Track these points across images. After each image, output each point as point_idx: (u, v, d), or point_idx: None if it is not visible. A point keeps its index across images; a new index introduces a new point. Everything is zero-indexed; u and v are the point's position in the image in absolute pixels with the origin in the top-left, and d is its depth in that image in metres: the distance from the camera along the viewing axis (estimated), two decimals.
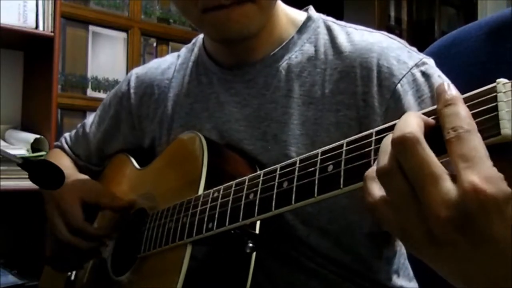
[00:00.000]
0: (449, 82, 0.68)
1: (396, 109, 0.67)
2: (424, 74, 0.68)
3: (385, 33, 0.76)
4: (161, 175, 0.81)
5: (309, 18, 0.79)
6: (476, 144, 0.37)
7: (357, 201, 0.67)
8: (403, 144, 0.38)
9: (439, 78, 0.68)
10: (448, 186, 0.36)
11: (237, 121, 0.77)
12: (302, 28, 0.78)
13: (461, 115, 0.38)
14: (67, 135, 1.07)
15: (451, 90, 0.40)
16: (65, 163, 1.00)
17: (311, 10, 0.81)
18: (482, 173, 0.35)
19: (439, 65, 0.84)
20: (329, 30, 0.77)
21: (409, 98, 0.67)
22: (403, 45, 0.73)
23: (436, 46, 0.96)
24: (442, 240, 0.37)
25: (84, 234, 0.81)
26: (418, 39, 3.18)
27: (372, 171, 0.42)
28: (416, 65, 0.69)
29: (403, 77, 0.68)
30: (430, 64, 0.70)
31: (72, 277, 0.89)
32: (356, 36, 0.75)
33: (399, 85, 0.68)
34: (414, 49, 0.74)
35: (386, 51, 0.70)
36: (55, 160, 1.01)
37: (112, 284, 0.79)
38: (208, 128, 0.79)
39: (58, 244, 0.82)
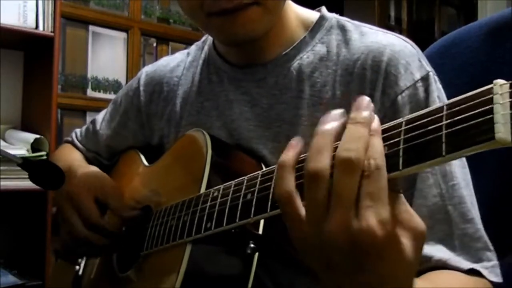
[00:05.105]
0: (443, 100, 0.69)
1: (393, 119, 0.67)
2: (426, 91, 0.68)
3: (400, 36, 0.74)
4: (166, 172, 0.81)
5: (322, 18, 0.78)
6: (382, 185, 0.41)
7: None
8: (349, 166, 0.42)
9: (437, 98, 0.68)
10: (351, 216, 0.41)
11: (246, 120, 0.77)
12: (315, 28, 0.77)
13: (377, 148, 0.42)
14: (77, 130, 1.08)
15: (377, 122, 0.44)
16: (75, 157, 1.01)
17: (324, 10, 0.80)
18: (379, 215, 0.41)
19: (439, 65, 0.84)
20: (342, 30, 0.76)
21: (405, 113, 0.67)
22: (416, 51, 0.72)
23: (436, 46, 0.96)
24: (331, 257, 0.43)
25: (101, 230, 0.81)
26: (418, 39, 3.18)
27: (292, 159, 0.46)
28: (422, 79, 0.69)
29: (406, 89, 0.68)
30: (434, 80, 0.70)
31: (80, 272, 0.90)
32: (370, 37, 0.74)
33: (400, 96, 0.68)
34: (424, 57, 0.73)
35: (396, 56, 0.70)
36: (66, 154, 1.02)
37: (116, 280, 0.80)
38: (217, 126, 0.79)
39: (72, 238, 0.82)
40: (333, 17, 0.79)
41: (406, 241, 0.43)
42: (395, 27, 3.27)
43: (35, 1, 1.88)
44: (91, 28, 2.25)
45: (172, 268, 0.65)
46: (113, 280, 0.81)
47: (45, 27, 1.89)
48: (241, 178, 0.59)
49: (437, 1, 3.52)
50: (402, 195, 0.44)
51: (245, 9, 0.67)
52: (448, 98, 0.71)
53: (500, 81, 0.37)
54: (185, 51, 0.94)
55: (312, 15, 0.80)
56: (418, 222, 0.44)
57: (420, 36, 3.31)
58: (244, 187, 0.58)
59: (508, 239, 0.77)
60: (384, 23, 3.14)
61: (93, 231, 0.80)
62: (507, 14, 0.85)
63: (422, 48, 0.80)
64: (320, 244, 0.43)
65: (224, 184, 0.62)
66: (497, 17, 0.87)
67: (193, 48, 0.92)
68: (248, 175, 0.58)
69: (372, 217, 0.41)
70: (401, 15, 3.35)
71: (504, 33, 0.84)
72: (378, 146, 0.43)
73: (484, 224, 0.69)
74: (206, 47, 0.88)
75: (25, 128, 2.07)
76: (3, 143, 1.93)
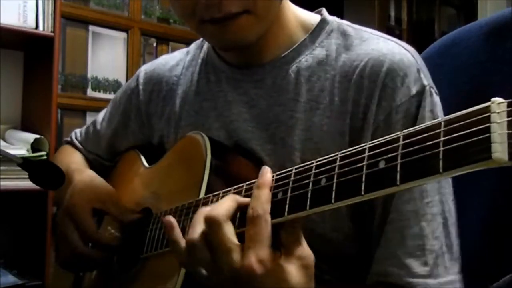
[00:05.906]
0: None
1: (385, 132, 0.67)
2: (418, 107, 0.67)
3: (402, 43, 0.73)
4: (166, 175, 0.81)
5: (323, 21, 0.77)
6: (261, 230, 0.51)
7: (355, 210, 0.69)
8: (210, 223, 0.53)
9: (430, 113, 0.67)
10: (236, 257, 0.52)
11: (245, 121, 0.77)
12: (315, 31, 0.77)
13: (261, 199, 0.52)
14: (77, 130, 1.07)
15: (264, 175, 0.54)
16: (76, 159, 1.00)
17: (325, 12, 0.79)
18: (258, 255, 0.51)
19: (439, 65, 0.84)
20: (343, 34, 0.76)
21: (398, 127, 0.67)
22: (415, 60, 0.70)
23: (437, 46, 0.96)
24: None
25: (98, 244, 0.81)
26: (418, 39, 3.18)
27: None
28: (417, 94, 0.68)
29: (401, 104, 0.67)
30: (430, 94, 0.69)
31: (81, 273, 0.90)
32: (370, 44, 0.73)
33: (394, 111, 0.67)
34: (424, 67, 0.71)
35: (395, 67, 0.69)
36: (66, 156, 1.01)
37: (116, 283, 0.80)
38: (216, 127, 0.79)
39: (70, 251, 0.81)
40: (334, 20, 0.78)
41: (293, 269, 0.52)
42: (395, 27, 3.27)
43: (35, 1, 1.88)
44: (91, 28, 2.25)
45: (171, 272, 0.65)
46: (113, 282, 0.81)
47: (45, 27, 1.89)
48: (239, 185, 0.59)
49: (437, 1, 3.52)
50: (296, 227, 0.53)
51: (235, 18, 0.67)
52: (448, 98, 0.71)
53: (497, 100, 0.37)
54: (185, 49, 0.93)
55: (312, 17, 0.79)
56: (306, 252, 0.53)
57: (420, 36, 3.31)
58: (242, 195, 0.58)
59: (508, 238, 0.77)
60: (384, 23, 3.14)
61: (89, 245, 0.80)
62: (507, 14, 0.85)
63: (422, 48, 0.80)
64: (213, 274, 0.55)
65: (223, 191, 0.62)
66: (497, 17, 0.87)
67: (192, 46, 0.92)
68: (247, 182, 0.58)
69: (252, 257, 0.50)
70: (401, 15, 3.34)
71: (504, 33, 0.84)
72: (261, 197, 0.52)
73: (485, 226, 0.68)
74: (205, 46, 0.88)
75: (25, 128, 2.07)
76: (3, 143, 1.93)
